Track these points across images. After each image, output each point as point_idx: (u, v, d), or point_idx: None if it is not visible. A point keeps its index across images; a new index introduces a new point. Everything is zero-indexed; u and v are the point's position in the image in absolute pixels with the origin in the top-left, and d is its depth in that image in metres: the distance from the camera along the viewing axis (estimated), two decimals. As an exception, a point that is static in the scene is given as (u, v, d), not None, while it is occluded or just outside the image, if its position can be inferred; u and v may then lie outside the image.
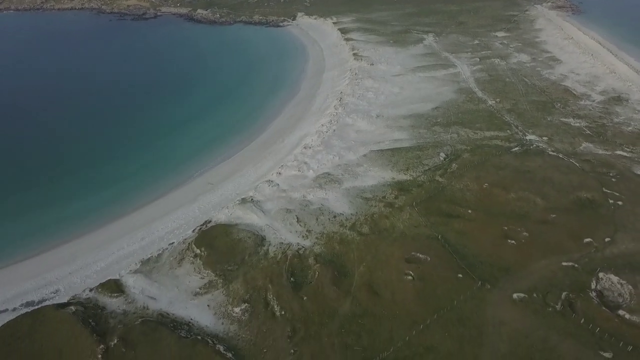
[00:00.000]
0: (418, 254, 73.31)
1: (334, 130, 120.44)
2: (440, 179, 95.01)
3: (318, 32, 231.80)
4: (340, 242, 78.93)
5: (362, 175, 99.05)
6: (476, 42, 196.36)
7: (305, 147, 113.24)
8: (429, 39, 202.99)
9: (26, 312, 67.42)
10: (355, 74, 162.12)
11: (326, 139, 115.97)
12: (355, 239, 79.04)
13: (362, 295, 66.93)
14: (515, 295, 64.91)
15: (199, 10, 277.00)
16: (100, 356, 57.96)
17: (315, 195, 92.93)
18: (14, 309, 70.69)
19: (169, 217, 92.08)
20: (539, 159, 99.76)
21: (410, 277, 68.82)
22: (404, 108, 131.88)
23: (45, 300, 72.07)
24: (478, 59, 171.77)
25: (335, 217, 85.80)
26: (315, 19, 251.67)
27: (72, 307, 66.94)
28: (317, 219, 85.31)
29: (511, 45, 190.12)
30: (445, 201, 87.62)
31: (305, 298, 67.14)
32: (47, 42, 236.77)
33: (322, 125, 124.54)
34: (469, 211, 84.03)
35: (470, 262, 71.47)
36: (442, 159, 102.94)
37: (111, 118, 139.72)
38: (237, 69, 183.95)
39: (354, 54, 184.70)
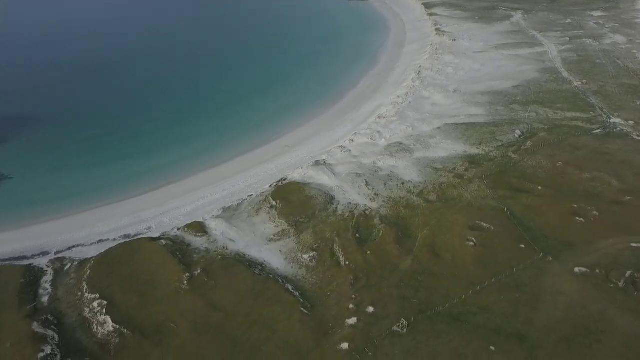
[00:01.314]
0: (482, 223, 75.26)
1: (410, 103, 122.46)
2: (512, 155, 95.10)
3: (401, 6, 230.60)
4: (407, 206, 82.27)
5: (434, 146, 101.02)
6: (568, 20, 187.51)
7: (379, 117, 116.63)
8: (517, 16, 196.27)
9: (125, 242, 77.71)
10: (436, 49, 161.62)
11: (401, 110, 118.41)
12: (422, 205, 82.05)
13: (423, 255, 70.37)
14: (576, 269, 65.61)
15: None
16: (185, 282, 66.18)
17: (385, 162, 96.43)
18: (114, 239, 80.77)
19: (249, 173, 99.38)
20: (621, 142, 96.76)
21: (472, 243, 71.21)
22: (483, 85, 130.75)
23: (139, 234, 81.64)
24: (568, 39, 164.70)
25: (403, 183, 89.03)
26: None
27: (163, 241, 76.14)
28: (385, 184, 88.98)
29: (607, 26, 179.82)
30: (516, 176, 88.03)
31: (368, 252, 71.66)
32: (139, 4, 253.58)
33: (398, 97, 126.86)
34: (539, 187, 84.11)
35: (534, 235, 72.50)
36: (517, 136, 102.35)
37: (202, 79, 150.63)
38: (318, 39, 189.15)
39: (436, 29, 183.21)
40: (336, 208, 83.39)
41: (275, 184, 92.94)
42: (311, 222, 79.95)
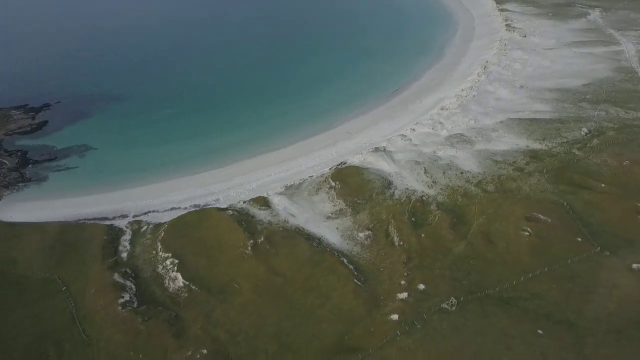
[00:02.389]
0: (539, 215, 75.52)
1: (474, 96, 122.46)
2: (577, 152, 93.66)
3: (472, 0, 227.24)
4: (464, 195, 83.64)
5: (496, 139, 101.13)
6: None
7: (442, 109, 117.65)
8: (594, 13, 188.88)
9: (195, 210, 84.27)
10: (505, 44, 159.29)
11: (464, 103, 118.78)
12: (479, 195, 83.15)
13: (477, 242, 71.84)
14: (635, 265, 64.93)
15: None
16: (249, 248, 71.45)
17: (445, 152, 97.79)
18: (185, 208, 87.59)
19: (310, 156, 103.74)
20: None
21: (527, 233, 71.86)
22: (551, 81, 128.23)
23: (208, 205, 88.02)
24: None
25: (462, 173, 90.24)
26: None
27: (230, 211, 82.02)
28: (444, 173, 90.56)
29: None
30: (578, 173, 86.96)
31: (423, 235, 73.99)
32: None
33: (462, 90, 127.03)
34: (602, 185, 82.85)
35: (593, 230, 72.05)
36: (583, 133, 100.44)
37: (272, 68, 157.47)
38: (384, 32, 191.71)
39: (507, 25, 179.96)
40: (393, 192, 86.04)
41: (335, 167, 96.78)
42: (368, 203, 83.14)
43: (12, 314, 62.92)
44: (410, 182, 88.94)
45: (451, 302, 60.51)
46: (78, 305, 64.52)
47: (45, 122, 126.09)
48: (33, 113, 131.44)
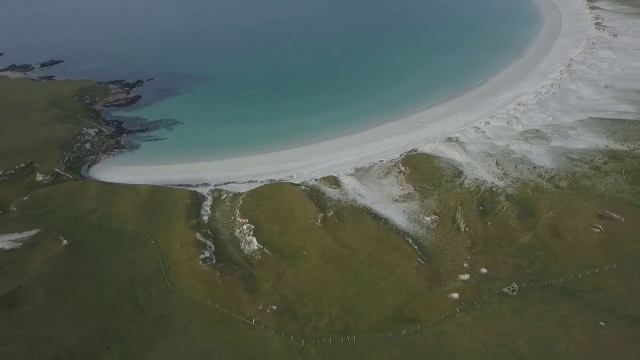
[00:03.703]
0: (612, 213, 74.22)
1: (554, 94, 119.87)
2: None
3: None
4: (534, 189, 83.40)
5: (573, 137, 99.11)
6: None
7: (519, 104, 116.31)
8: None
9: (271, 183, 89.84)
10: (592, 43, 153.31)
11: (543, 99, 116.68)
12: (550, 190, 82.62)
13: (544, 234, 72.00)
14: None
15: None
16: (319, 220, 75.88)
17: (519, 146, 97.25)
18: (261, 181, 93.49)
19: (382, 142, 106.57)
20: None
21: (597, 230, 71.09)
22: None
23: (282, 180, 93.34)
24: None
25: (534, 168, 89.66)
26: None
27: (302, 187, 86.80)
28: (515, 166, 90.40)
29: None
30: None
31: (489, 223, 75.08)
32: None
33: (542, 87, 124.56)
34: (686, 189, 79.73)
35: (670, 232, 70.05)
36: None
37: (351, 56, 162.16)
38: (467, 25, 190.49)
39: (596, 23, 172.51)
40: (463, 181, 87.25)
41: (405, 153, 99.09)
42: (436, 190, 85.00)
43: (109, 258, 71.14)
44: (481, 172, 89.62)
45: (512, 287, 61.67)
46: (164, 257, 71.72)
47: (139, 96, 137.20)
48: (128, 88, 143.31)
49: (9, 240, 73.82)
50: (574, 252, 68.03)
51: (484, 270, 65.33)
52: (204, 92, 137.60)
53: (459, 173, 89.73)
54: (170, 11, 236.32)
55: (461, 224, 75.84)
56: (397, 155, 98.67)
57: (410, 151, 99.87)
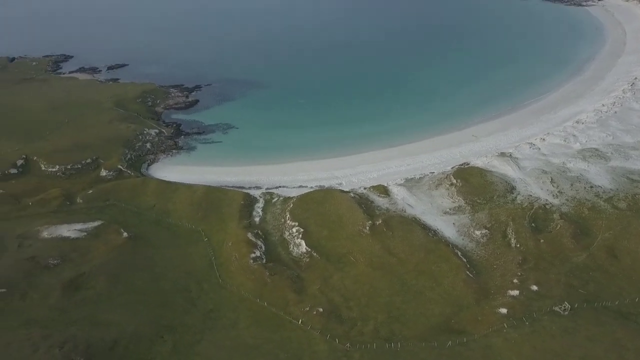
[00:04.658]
0: (676, 238, 71.30)
1: (615, 112, 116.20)
2: None
3: (626, 14, 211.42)
4: (591, 209, 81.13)
5: (635, 158, 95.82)
6: None
7: (577, 122, 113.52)
8: None
9: (321, 189, 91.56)
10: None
11: (603, 118, 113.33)
12: (608, 210, 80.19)
13: (600, 254, 70.04)
14: None
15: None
16: (367, 228, 76.75)
17: (575, 164, 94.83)
18: (311, 187, 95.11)
19: (433, 154, 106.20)
20: None
21: (658, 254, 68.48)
22: None
23: (332, 187, 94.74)
24: None
25: (591, 187, 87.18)
26: (627, 0, 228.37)
27: (352, 194, 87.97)
28: (571, 185, 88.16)
29: None
30: None
31: (542, 241, 73.65)
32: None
33: (603, 105, 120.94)
34: None
35: None
36: None
37: (404, 69, 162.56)
38: (525, 40, 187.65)
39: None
40: (515, 197, 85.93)
41: (457, 166, 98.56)
42: (488, 204, 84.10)
43: (165, 252, 74.59)
44: (535, 189, 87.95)
45: (564, 306, 60.34)
46: (216, 254, 74.50)
47: (197, 101, 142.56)
48: (187, 92, 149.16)
49: (75, 229, 78.56)
50: (631, 275, 65.93)
51: (534, 288, 64.21)
52: (259, 98, 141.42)
53: (512, 188, 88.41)
54: (227, 21, 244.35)
55: (512, 239, 74.78)
56: (449, 168, 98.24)
57: (462, 164, 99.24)
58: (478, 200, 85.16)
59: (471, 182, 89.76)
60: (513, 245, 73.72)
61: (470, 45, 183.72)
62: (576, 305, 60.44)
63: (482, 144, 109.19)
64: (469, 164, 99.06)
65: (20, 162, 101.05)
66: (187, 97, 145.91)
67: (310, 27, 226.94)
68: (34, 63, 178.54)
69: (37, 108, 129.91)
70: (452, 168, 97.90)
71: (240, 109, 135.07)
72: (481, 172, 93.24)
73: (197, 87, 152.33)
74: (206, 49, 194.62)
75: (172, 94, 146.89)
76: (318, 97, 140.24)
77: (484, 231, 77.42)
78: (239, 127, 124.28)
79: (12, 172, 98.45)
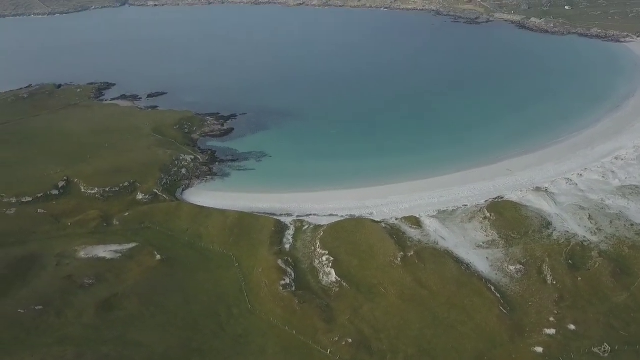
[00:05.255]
0: None
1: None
2: None
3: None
4: (632, 247, 78.53)
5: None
6: None
7: (616, 158, 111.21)
8: None
9: (352, 218, 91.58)
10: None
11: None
12: (650, 249, 77.39)
13: (642, 295, 67.31)
14: None
15: (532, 19, 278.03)
16: (399, 259, 76.02)
17: (615, 201, 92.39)
18: (342, 216, 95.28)
19: (466, 187, 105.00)
20: None
21: None
22: None
23: (362, 216, 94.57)
24: None
25: (632, 225, 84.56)
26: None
27: (383, 224, 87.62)
28: (611, 222, 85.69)
29: None
30: None
31: (579, 279, 71.39)
32: (403, 33, 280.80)
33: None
34: None
35: None
36: None
37: (437, 98, 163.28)
38: (561, 75, 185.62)
39: None
40: (551, 233, 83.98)
41: (491, 199, 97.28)
42: (523, 239, 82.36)
43: (197, 276, 75.43)
44: (572, 225, 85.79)
45: (604, 348, 58.04)
46: (247, 279, 74.83)
47: (232, 129, 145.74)
48: (222, 120, 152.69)
49: (110, 250, 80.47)
50: (677, 319, 62.84)
51: (572, 327, 62.10)
52: (292, 128, 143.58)
53: (548, 224, 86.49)
54: (264, 52, 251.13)
55: (548, 276, 72.71)
56: (482, 201, 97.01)
57: (496, 198, 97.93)
58: (512, 235, 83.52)
59: (505, 216, 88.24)
60: (549, 282, 71.61)
61: (506, 79, 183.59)
62: (617, 348, 58.11)
63: (516, 178, 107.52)
64: (503, 197, 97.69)
65: (61, 183, 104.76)
66: (222, 125, 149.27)
67: (343, 58, 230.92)
68: (79, 90, 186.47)
69: (80, 132, 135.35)
70: (485, 201, 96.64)
71: (274, 137, 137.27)
72: (516, 207, 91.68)
73: (233, 116, 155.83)
74: (242, 79, 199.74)
75: (208, 122, 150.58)
76: (350, 128, 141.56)
77: (518, 266, 75.58)
78: (272, 155, 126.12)
79: (53, 193, 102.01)
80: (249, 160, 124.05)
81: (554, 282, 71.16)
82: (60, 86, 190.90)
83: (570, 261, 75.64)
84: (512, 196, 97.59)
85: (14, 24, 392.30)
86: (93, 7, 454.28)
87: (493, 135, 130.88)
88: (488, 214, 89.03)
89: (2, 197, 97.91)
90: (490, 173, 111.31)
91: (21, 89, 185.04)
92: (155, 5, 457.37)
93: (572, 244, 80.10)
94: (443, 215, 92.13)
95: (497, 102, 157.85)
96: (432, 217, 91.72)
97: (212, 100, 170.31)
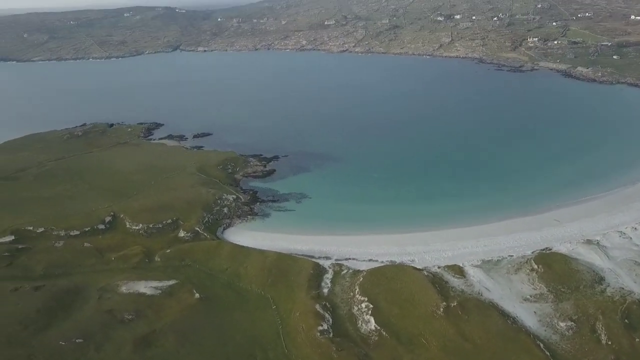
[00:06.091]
0: None
1: None
2: None
3: None
4: (695, 309, 73.03)
5: None
6: None
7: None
8: None
9: (393, 264, 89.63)
10: None
11: None
12: None
13: None
14: None
15: (579, 68, 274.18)
16: (441, 309, 73.25)
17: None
18: (382, 261, 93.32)
19: (512, 236, 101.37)
20: None
21: None
22: None
23: (403, 263, 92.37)
24: None
25: (694, 284, 79.08)
26: None
27: (425, 272, 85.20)
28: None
29: None
30: None
31: (637, 340, 66.61)
32: (446, 81, 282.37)
33: None
34: None
35: None
36: None
37: (481, 144, 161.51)
38: (612, 124, 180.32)
39: None
40: (604, 289, 79.47)
41: (538, 251, 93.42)
42: (573, 294, 78.18)
43: (234, 316, 74.86)
44: (627, 282, 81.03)
45: (669, 418, 53.11)
46: (283, 322, 73.61)
47: (274, 170, 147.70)
48: (265, 162, 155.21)
49: (151, 286, 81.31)
50: None
51: (631, 393, 57.35)
52: (333, 171, 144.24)
53: (600, 279, 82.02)
54: (306, 95, 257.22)
55: (602, 335, 68.25)
56: (529, 252, 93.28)
57: (543, 249, 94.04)
58: (562, 289, 79.44)
59: (554, 269, 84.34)
60: (604, 341, 67.13)
61: (553, 127, 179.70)
62: (682, 419, 53.04)
63: (565, 230, 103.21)
64: (551, 249, 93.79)
65: (108, 218, 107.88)
66: (264, 166, 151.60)
67: (386, 104, 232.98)
68: (129, 129, 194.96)
69: (128, 169, 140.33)
70: (532, 252, 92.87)
71: (315, 180, 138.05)
72: (565, 259, 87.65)
73: (275, 157, 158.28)
74: (286, 122, 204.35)
75: (251, 163, 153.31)
76: (392, 172, 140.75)
77: (569, 323, 71.38)
78: (312, 196, 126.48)
79: (100, 227, 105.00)
80: (289, 201, 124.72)
81: (609, 342, 66.64)
82: (112, 125, 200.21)
83: (626, 320, 70.90)
84: (561, 248, 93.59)
85: (74, 67, 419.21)
86: (147, 52, 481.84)
87: (540, 184, 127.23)
88: (536, 266, 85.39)
89: (52, 229, 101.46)
90: (537, 223, 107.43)
91: (76, 127, 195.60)
92: (205, 50, 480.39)
93: (627, 301, 75.28)
94: (487, 265, 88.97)
95: (544, 150, 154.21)
96: (476, 266, 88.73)
97: (256, 141, 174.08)
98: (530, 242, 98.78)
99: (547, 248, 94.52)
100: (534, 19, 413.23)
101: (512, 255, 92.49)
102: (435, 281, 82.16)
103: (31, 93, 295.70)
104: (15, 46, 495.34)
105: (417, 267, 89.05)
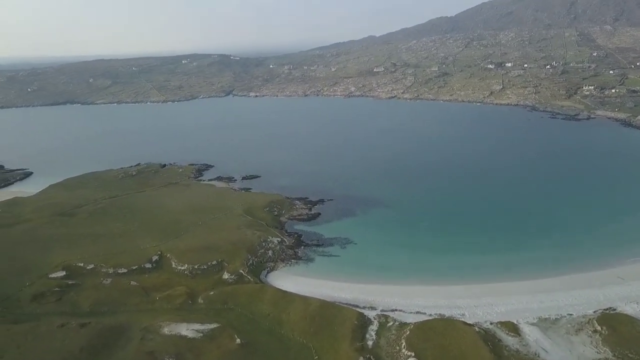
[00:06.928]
0: None
1: None
2: None
3: None
4: None
5: None
6: None
7: None
8: None
9: (442, 318, 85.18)
10: None
11: None
12: None
13: None
14: None
15: (639, 117, 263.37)
16: (495, 370, 68.17)
17: None
18: (430, 314, 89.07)
19: (571, 293, 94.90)
20: None
21: None
22: None
23: (452, 317, 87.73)
24: None
25: None
26: None
27: (476, 328, 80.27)
28: None
29: None
30: None
31: None
32: (498, 128, 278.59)
33: None
34: None
35: None
36: None
37: (544, 197, 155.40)
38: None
39: None
40: (678, 357, 72.00)
41: (601, 310, 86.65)
42: (643, 361, 71.21)
43: (274, 364, 72.40)
44: None
45: None
46: (326, 375, 70.42)
47: (319, 214, 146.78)
48: (310, 205, 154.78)
49: (193, 329, 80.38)
50: None
51: None
52: (380, 216, 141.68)
53: (675, 346, 74.54)
54: (353, 141, 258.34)
55: (678, 410, 61.18)
56: (591, 311, 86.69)
57: (607, 309, 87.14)
58: (630, 355, 72.62)
59: (620, 332, 77.64)
60: (680, 418, 60.10)
61: (615, 179, 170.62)
62: None
63: (631, 288, 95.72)
64: (615, 309, 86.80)
65: (155, 257, 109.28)
66: (310, 209, 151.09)
67: (435, 151, 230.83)
68: (180, 170, 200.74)
69: (177, 209, 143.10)
70: (594, 312, 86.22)
71: (360, 225, 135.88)
72: (632, 321, 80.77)
73: (320, 201, 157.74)
74: (332, 167, 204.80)
75: (297, 206, 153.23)
76: (441, 221, 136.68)
77: (640, 394, 64.67)
78: (358, 243, 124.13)
79: (146, 266, 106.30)
80: (334, 246, 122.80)
81: (687, 420, 59.51)
82: (164, 165, 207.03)
83: None
84: (627, 308, 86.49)
85: (133, 109, 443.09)
86: (201, 97, 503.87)
87: (601, 239, 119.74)
88: (599, 327, 78.95)
89: (102, 267, 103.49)
90: (598, 280, 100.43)
91: (131, 166, 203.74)
92: (256, 96, 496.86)
93: None
94: (545, 324, 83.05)
95: (605, 203, 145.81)
96: (532, 324, 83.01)
97: (302, 185, 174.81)
98: (591, 300, 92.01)
99: (610, 308, 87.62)
100: (589, 67, 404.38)
101: (571, 314, 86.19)
102: (488, 338, 77.13)
103: (92, 133, 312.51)
104: (82, 90, 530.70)
105: (468, 322, 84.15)
